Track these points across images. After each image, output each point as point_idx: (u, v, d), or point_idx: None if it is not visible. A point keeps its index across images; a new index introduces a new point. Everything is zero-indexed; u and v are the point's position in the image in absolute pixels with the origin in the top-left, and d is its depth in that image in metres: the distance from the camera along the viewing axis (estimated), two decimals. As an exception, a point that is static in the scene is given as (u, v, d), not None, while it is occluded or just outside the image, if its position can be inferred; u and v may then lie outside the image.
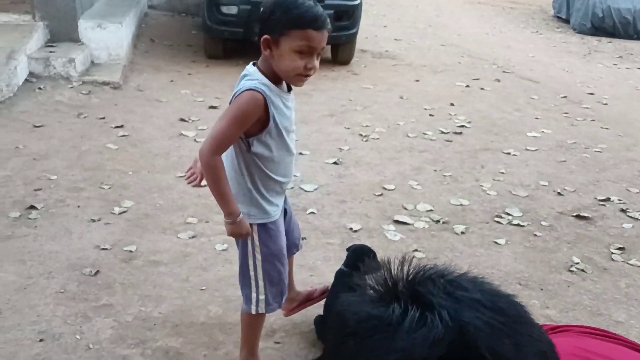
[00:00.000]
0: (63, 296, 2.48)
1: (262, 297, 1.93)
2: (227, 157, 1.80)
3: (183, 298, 2.54)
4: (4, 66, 4.77)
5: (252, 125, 1.71)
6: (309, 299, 2.37)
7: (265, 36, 1.68)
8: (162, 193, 3.51)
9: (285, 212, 2.02)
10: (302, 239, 2.52)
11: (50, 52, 5.42)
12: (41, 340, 2.19)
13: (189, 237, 3.04)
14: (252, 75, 1.73)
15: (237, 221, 1.78)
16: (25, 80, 5.09)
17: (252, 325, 2.04)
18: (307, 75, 1.71)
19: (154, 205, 3.35)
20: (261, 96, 1.68)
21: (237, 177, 1.81)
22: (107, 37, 5.85)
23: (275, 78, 1.74)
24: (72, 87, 5.19)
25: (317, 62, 1.71)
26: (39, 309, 2.37)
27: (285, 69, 1.69)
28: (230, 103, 1.73)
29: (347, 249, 2.43)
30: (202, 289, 2.61)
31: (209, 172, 1.73)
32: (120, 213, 3.23)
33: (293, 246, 2.18)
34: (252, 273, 1.91)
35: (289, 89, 1.83)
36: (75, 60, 5.32)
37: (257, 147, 1.75)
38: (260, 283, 1.92)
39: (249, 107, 1.67)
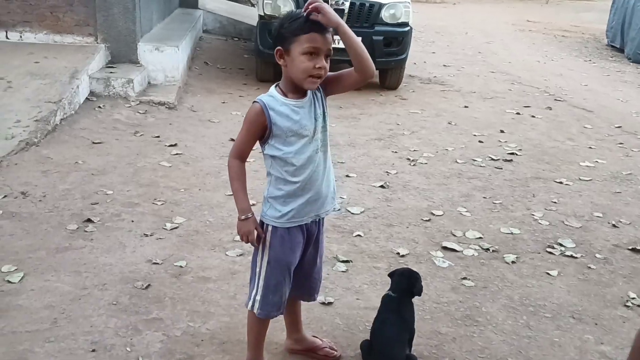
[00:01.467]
0: (115, 308, 2.54)
1: (258, 297, 2.04)
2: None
3: (230, 315, 2.56)
4: (67, 85, 5.00)
5: (263, 131, 1.91)
6: (311, 350, 2.34)
7: (277, 48, 1.87)
8: (212, 210, 3.58)
9: (306, 249, 2.09)
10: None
11: (111, 72, 5.66)
12: (93, 350, 2.25)
13: (237, 255, 3.08)
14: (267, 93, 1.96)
15: (242, 218, 1.96)
16: (87, 98, 5.32)
17: (251, 326, 2.14)
18: (318, 77, 1.86)
19: (204, 222, 3.42)
20: (259, 105, 1.90)
21: (270, 174, 1.99)
22: (164, 60, 6.08)
23: (291, 87, 1.92)
24: (129, 107, 5.39)
25: (326, 64, 1.86)
26: (93, 320, 2.44)
27: (297, 73, 1.85)
28: None
29: (390, 275, 2.39)
30: (249, 307, 2.63)
31: (228, 171, 2.00)
32: (172, 229, 3.31)
33: (306, 292, 2.23)
34: (257, 270, 2.03)
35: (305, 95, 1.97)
36: (134, 81, 5.53)
37: (268, 150, 1.95)
38: (260, 283, 2.02)
39: (250, 115, 1.92)
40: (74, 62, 5.45)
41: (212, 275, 2.88)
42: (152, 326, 2.44)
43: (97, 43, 5.95)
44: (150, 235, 3.21)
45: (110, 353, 2.25)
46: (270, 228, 1.98)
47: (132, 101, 5.45)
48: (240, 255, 3.08)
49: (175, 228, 3.32)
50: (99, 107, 5.25)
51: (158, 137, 4.80)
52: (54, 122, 4.58)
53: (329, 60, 1.88)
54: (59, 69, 5.28)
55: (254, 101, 1.92)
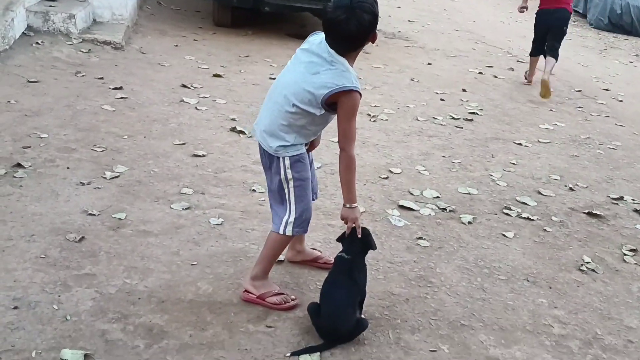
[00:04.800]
0: (43, 262, 2.31)
1: (291, 219, 2.17)
2: (287, 114, 2.06)
3: (171, 272, 2.38)
4: (0, 18, 4.55)
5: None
6: (312, 260, 2.55)
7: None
8: (158, 160, 3.34)
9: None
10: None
11: (51, 6, 5.20)
12: (15, 307, 2.03)
13: (183, 209, 2.87)
14: (347, 67, 2.01)
15: (354, 206, 2.14)
16: (23, 33, 4.88)
17: (275, 246, 2.25)
18: None
19: (148, 173, 3.18)
20: (359, 93, 2.01)
21: (296, 127, 2.09)
22: (111, -5, 5.61)
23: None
24: (71, 44, 4.97)
25: None
26: (16, 274, 2.21)
27: None
28: (326, 91, 1.97)
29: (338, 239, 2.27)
30: (192, 264, 2.45)
31: (351, 163, 2.09)
32: (111, 178, 3.06)
33: (312, 192, 2.33)
34: (286, 196, 2.17)
35: None
36: (76, 17, 5.10)
37: (326, 114, 2.06)
38: (293, 207, 2.17)
39: (357, 105, 2.04)
40: (9, -7, 4.96)
41: (153, 229, 2.67)
42: (84, 282, 2.23)
43: (37, -27, 5.42)
44: (87, 184, 2.95)
45: (35, 310, 2.04)
46: (288, 159, 2.10)
47: (74, 39, 5.03)
48: (187, 208, 2.88)
49: (116, 177, 3.07)
50: (37, 43, 4.82)
51: (101, 78, 4.45)
52: (-16, 57, 4.18)
53: None
54: (-8, 0, 4.80)
55: (355, 90, 1.98)
